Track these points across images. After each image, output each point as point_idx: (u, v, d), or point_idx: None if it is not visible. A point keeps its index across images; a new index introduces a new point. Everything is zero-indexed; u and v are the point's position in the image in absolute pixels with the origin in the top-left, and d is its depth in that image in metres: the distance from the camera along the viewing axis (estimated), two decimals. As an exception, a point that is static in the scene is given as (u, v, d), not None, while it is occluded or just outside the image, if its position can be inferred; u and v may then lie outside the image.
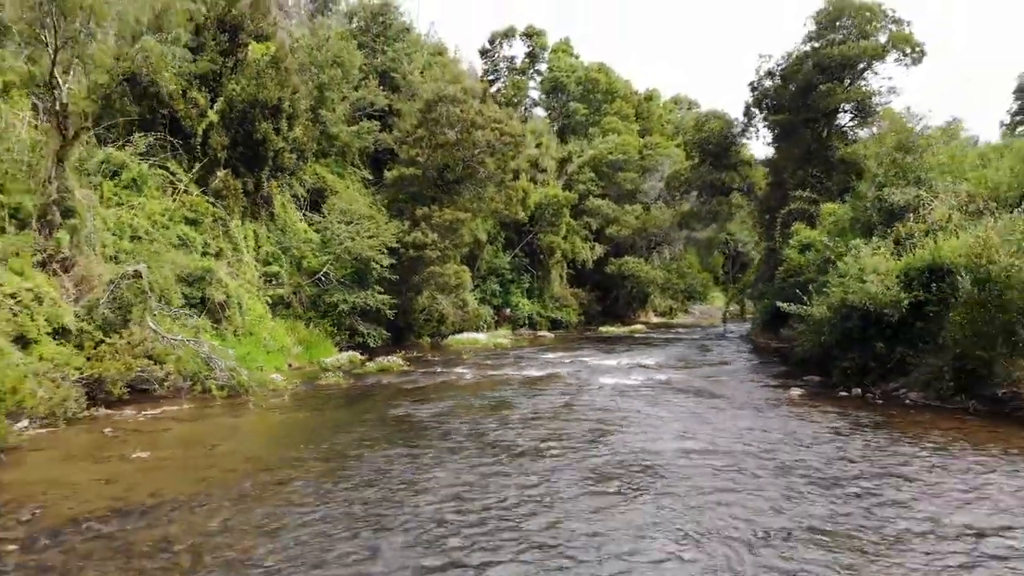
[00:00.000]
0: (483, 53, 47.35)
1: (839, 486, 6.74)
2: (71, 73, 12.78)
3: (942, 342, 11.17)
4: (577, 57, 47.90)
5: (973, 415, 10.15)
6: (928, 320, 11.71)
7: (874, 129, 21.29)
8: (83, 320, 11.72)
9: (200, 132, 17.28)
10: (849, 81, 23.12)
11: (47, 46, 12.23)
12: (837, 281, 13.16)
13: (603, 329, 32.45)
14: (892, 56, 22.98)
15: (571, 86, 43.58)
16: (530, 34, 46.39)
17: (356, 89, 26.66)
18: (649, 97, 50.52)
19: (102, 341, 11.58)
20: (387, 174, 24.18)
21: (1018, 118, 44.80)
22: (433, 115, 21.14)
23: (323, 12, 33.59)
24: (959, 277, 10.93)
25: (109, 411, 10.63)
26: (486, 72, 46.25)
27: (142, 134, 15.88)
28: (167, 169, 16.60)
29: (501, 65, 46.48)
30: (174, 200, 15.92)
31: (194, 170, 17.16)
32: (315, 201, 22.80)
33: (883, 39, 23.30)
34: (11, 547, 5.23)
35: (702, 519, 5.84)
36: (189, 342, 12.49)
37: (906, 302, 11.76)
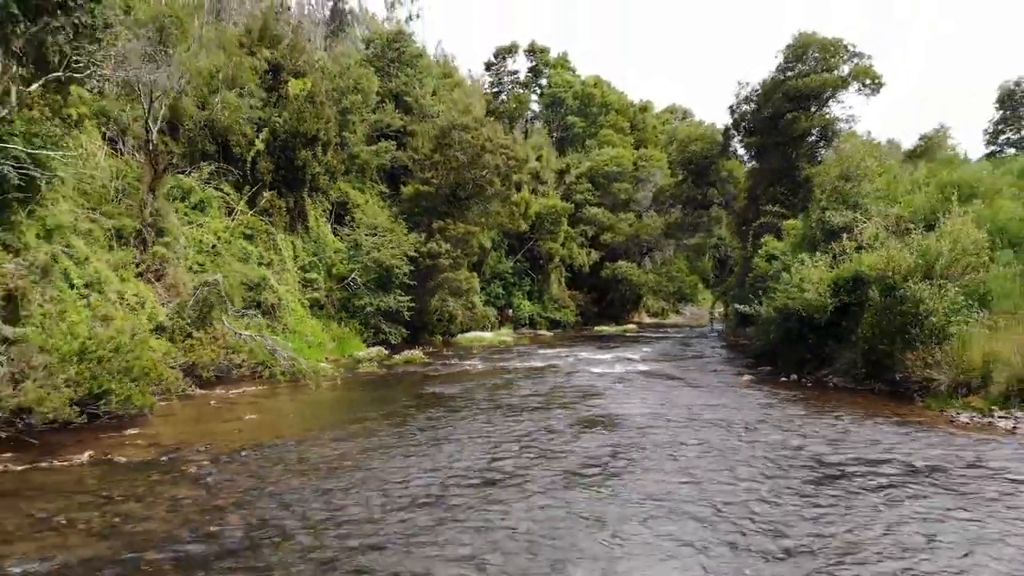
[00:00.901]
0: (488, 67, 50.52)
1: (743, 430, 9.82)
2: (160, 120, 15.87)
3: (856, 339, 14.26)
4: (574, 71, 51.08)
5: (876, 394, 13.23)
6: (849, 321, 14.80)
7: (833, 152, 24.33)
8: (174, 319, 14.82)
9: (249, 159, 20.39)
10: (815, 108, 26.25)
11: (143, 98, 15.34)
12: (782, 288, 16.25)
13: (598, 328, 35.54)
14: (853, 87, 26.13)
15: (569, 100, 46.70)
16: (533, 50, 49.60)
17: (374, 112, 29.75)
18: (644, 108, 53.68)
19: (190, 335, 14.69)
20: (403, 189, 27.28)
21: (1000, 127, 48.02)
22: (447, 141, 24.25)
23: (337, 34, 36.79)
24: (871, 287, 14.02)
25: (203, 391, 13.69)
26: (491, 85, 49.47)
27: (206, 163, 18.96)
28: (223, 192, 19.71)
29: (505, 79, 49.62)
30: (232, 219, 19.01)
31: (244, 192, 20.27)
32: (339, 214, 25.87)
33: (846, 70, 26.47)
34: (204, 462, 8.30)
35: (649, 441, 8.92)
36: (257, 337, 15.58)
37: (832, 306, 14.86)
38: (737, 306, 18.07)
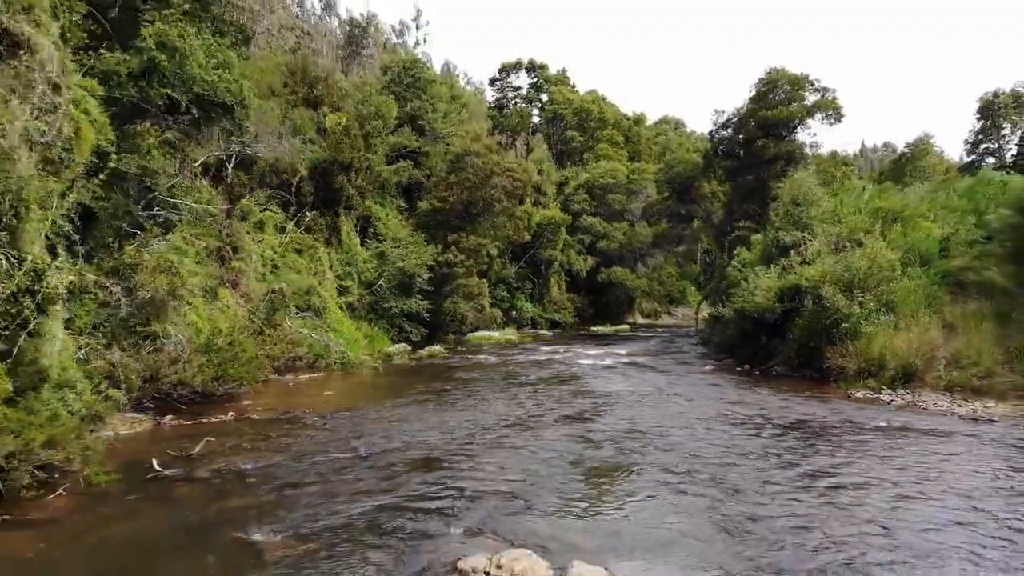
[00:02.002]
0: (492, 82, 54.52)
1: (692, 398, 13.69)
2: (233, 159, 19.73)
3: (793, 336, 18.14)
4: (573, 87, 55.00)
5: (805, 379, 17.10)
6: (790, 322, 18.68)
7: (795, 173, 28.21)
8: (251, 320, 18.68)
9: (295, 184, 24.24)
10: (785, 134, 30.14)
11: (221, 142, 19.22)
12: (740, 294, 20.15)
13: (594, 328, 39.42)
14: (817, 116, 30.04)
15: (568, 116, 50.58)
16: (533, 67, 53.50)
17: (392, 134, 33.59)
18: (637, 121, 57.61)
19: (262, 331, 18.54)
20: (420, 205, 31.16)
21: (979, 137, 51.93)
22: (460, 164, 28.12)
23: (353, 58, 40.67)
24: (806, 295, 17.91)
25: (277, 376, 17.55)
26: (496, 100, 53.42)
27: (262, 189, 22.81)
28: (274, 212, 23.54)
29: (509, 94, 53.52)
30: (285, 236, 22.87)
31: (290, 212, 24.12)
32: (363, 227, 29.72)
33: (813, 100, 30.37)
34: (314, 419, 12.16)
35: (621, 403, 12.78)
36: (313, 334, 19.45)
37: (778, 310, 18.75)
38: (709, 309, 21.92)
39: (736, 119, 30.84)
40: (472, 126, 34.61)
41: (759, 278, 20.23)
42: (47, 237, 8.44)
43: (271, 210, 23.56)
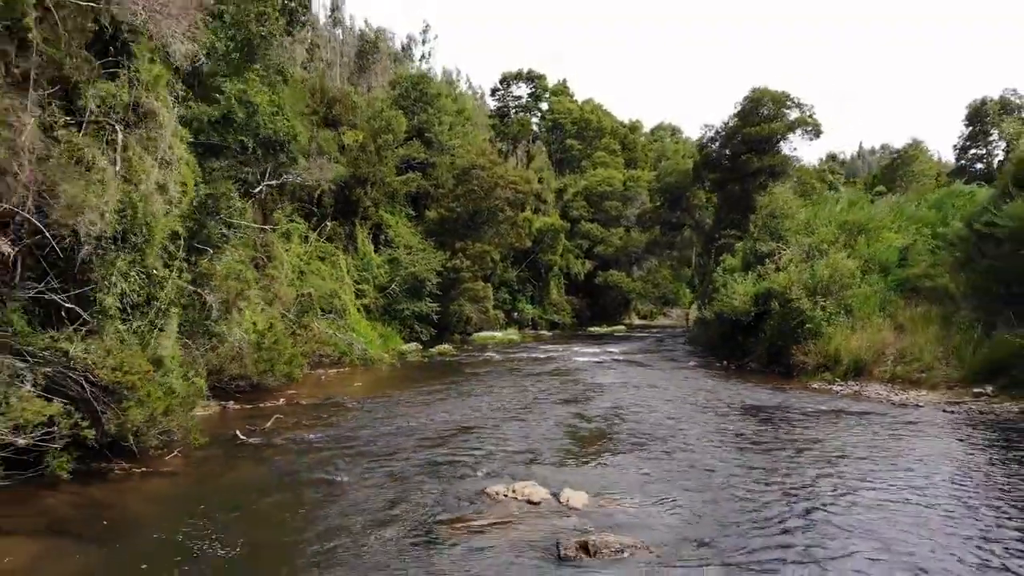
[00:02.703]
0: (493, 92, 57.15)
1: (672, 386, 16.21)
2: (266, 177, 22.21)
3: (764, 336, 20.67)
4: (572, 96, 57.59)
5: (774, 374, 19.59)
6: (763, 323, 21.20)
7: (780, 187, 30.77)
8: (282, 321, 21.19)
9: (316, 197, 26.76)
10: (768, 148, 32.69)
11: (259, 163, 21.72)
12: (720, 298, 22.67)
13: (591, 329, 41.94)
14: (798, 132, 32.61)
15: (568, 125, 53.15)
16: (532, 77, 56.08)
17: (401, 147, 36.10)
18: (633, 128, 60.20)
19: (294, 332, 21.05)
20: (428, 214, 33.68)
21: (968, 143, 54.46)
22: (466, 177, 30.65)
23: (363, 72, 43.22)
24: (777, 300, 20.43)
25: (310, 371, 20.05)
26: (497, 110, 56.00)
27: (291, 203, 25.33)
28: (297, 222, 26.06)
29: (510, 102, 56.10)
30: (309, 245, 25.39)
31: (312, 222, 26.64)
32: (376, 234, 32.23)
33: (794, 116, 32.94)
34: (353, 403, 14.67)
35: (608, 389, 15.29)
36: (338, 335, 21.97)
37: (752, 313, 21.27)
38: (696, 311, 24.45)
39: (723, 134, 33.39)
40: (477, 141, 37.12)
41: (737, 283, 22.78)
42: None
43: (296, 221, 26.09)
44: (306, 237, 25.79)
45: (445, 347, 26.57)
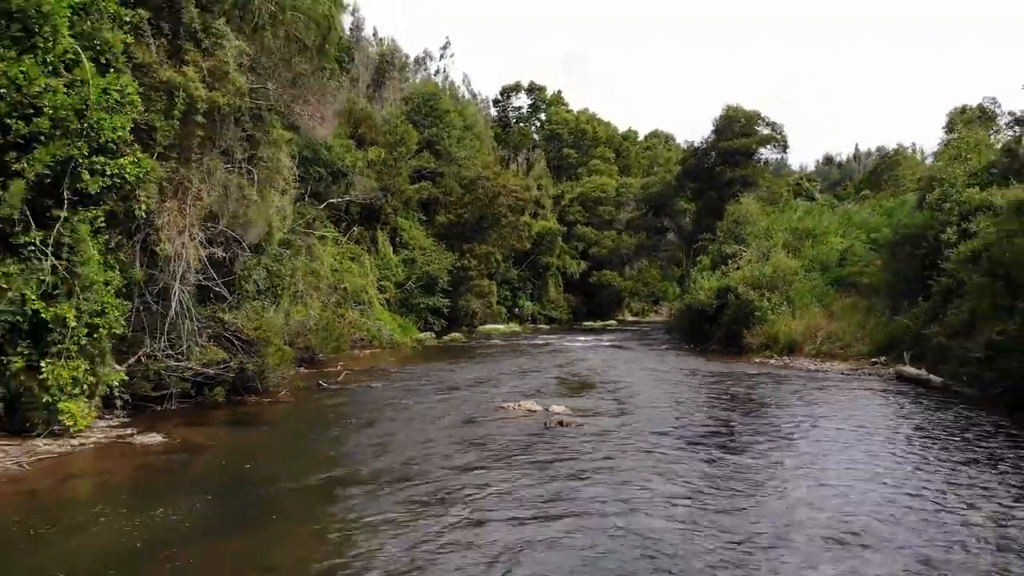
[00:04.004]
0: (495, 103, 62.13)
1: (645, 362, 21.08)
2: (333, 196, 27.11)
3: (722, 323, 25.56)
4: (567, 107, 62.52)
5: (729, 354, 24.47)
6: (723, 313, 26.08)
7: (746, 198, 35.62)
8: (325, 309, 26.04)
9: (345, 205, 31.63)
10: (740, 160, 37.63)
11: (328, 188, 26.61)
12: (690, 292, 27.56)
13: (586, 324, 46.81)
14: (768, 146, 37.56)
15: (565, 135, 58.07)
16: (532, 89, 61.04)
17: (413, 158, 40.99)
18: (626, 137, 65.15)
19: (335, 319, 25.91)
20: (438, 218, 38.57)
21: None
22: (473, 187, 35.56)
23: (379, 86, 48.21)
24: (733, 293, 25.33)
25: (345, 351, 24.87)
26: (499, 120, 60.93)
27: (325, 210, 30.19)
28: (329, 228, 30.95)
29: (511, 114, 61.05)
30: (340, 246, 30.28)
31: (340, 227, 31.51)
32: (392, 237, 37.10)
33: (765, 132, 37.89)
34: (395, 368, 19.55)
35: (595, 365, 20.15)
36: (368, 322, 26.83)
37: (714, 305, 26.16)
38: (662, 301, 29.33)
39: (702, 149, 38.33)
40: (483, 154, 42.07)
41: (703, 280, 27.71)
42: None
43: (328, 227, 30.99)
44: (336, 240, 30.65)
45: (456, 335, 31.48)
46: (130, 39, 10.54)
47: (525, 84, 60.71)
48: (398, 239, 36.64)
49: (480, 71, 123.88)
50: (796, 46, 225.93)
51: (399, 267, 34.96)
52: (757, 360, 22.14)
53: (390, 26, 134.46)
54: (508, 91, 60.90)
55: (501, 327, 38.60)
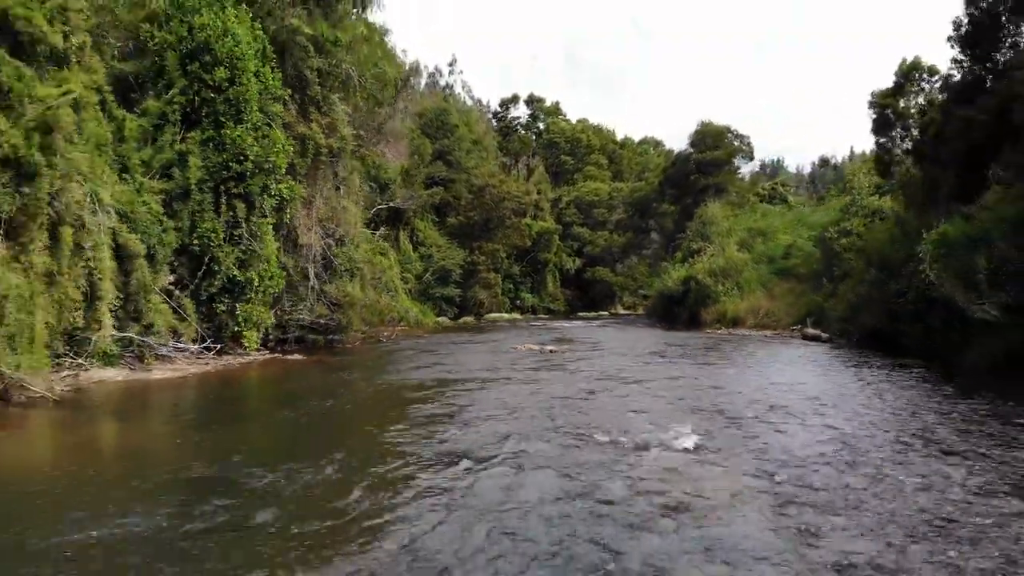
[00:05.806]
0: (495, 115, 69.12)
1: (625, 337, 27.93)
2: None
3: (686, 305, 32.44)
4: (564, 116, 69.51)
5: (691, 328, 31.34)
6: (687, 297, 32.94)
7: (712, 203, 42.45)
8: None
9: (374, 208, 38.49)
10: (713, 170, 44.52)
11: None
12: (663, 281, 34.47)
13: (580, 315, 53.70)
14: (738, 157, 44.49)
15: (562, 143, 65.04)
16: (531, 100, 68.05)
17: (426, 167, 47.88)
18: (621, 145, 72.14)
19: (377, 301, 32.78)
20: (449, 220, 45.49)
21: None
22: (480, 193, 42.49)
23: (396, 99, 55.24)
24: (694, 281, 32.23)
25: (380, 327, 31.72)
26: (500, 128, 67.87)
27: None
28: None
29: (511, 123, 68.00)
30: (370, 243, 37.15)
31: (369, 226, 38.37)
32: (411, 236, 43.94)
33: (735, 144, 44.83)
34: (426, 338, 26.44)
35: (586, 339, 27.01)
36: (399, 306, 33.69)
37: (680, 290, 33.06)
38: (641, 289, 36.22)
39: (681, 158, 45.27)
40: (489, 165, 49.06)
41: (672, 271, 34.65)
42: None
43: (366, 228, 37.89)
44: (367, 239, 37.50)
45: (468, 320, 38.38)
46: (281, 108, 17.47)
47: (524, 96, 67.80)
48: (416, 238, 43.51)
49: (481, 73, 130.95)
50: (796, 46, 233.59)
51: (417, 262, 41.87)
52: (709, 331, 29.07)
53: (404, 40, 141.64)
54: (507, 103, 67.89)
55: (504, 316, 45.49)
